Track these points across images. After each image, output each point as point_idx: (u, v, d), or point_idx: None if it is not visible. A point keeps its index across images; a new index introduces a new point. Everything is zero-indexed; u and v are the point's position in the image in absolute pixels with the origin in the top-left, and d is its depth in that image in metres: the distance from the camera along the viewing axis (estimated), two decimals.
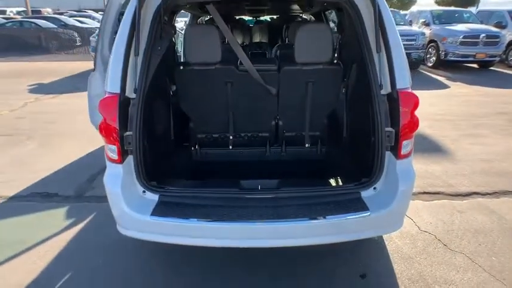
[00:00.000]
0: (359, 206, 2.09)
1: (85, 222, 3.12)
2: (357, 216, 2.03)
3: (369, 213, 2.04)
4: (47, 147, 4.89)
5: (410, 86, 2.12)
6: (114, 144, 2.04)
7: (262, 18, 7.37)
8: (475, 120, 5.99)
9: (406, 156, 2.14)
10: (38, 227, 3.04)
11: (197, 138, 2.93)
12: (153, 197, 2.14)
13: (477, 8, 25.16)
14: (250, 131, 2.91)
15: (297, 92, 2.64)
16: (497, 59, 11.07)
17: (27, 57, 14.19)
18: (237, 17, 6.53)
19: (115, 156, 2.06)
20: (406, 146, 2.11)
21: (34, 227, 3.05)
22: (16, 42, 16.08)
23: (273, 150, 3.02)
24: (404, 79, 2.09)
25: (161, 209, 2.08)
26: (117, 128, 2.01)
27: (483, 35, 10.73)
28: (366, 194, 2.17)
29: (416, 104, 2.11)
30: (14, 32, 16.92)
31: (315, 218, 2.00)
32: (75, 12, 27.31)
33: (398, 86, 2.06)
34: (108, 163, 2.14)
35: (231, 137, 2.82)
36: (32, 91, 8.46)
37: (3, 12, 25.57)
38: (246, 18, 7.27)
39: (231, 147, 2.88)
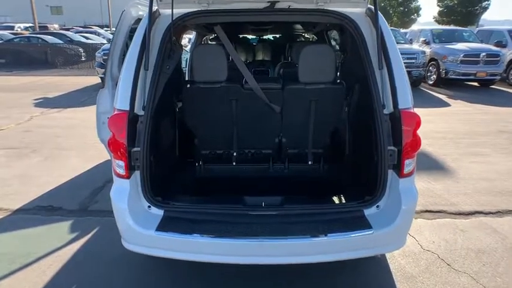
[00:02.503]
0: (362, 224, 2.11)
1: (89, 236, 3.14)
2: (360, 234, 2.05)
3: (372, 231, 2.06)
4: (51, 160, 4.94)
5: (412, 105, 2.18)
6: (122, 160, 2.08)
7: (265, 36, 7.52)
8: (476, 139, 6.02)
9: (409, 174, 2.17)
10: (43, 240, 3.06)
11: (201, 155, 2.98)
12: (158, 212, 2.17)
13: (477, 27, 25.50)
14: (254, 148, 2.95)
15: (300, 110, 2.70)
16: (498, 77, 11.16)
17: (33, 71, 14.38)
18: (241, 36, 6.67)
19: (122, 172, 2.10)
20: (409, 164, 2.15)
21: (39, 240, 3.07)
22: (23, 57, 16.34)
23: (276, 166, 3.06)
24: (406, 99, 2.14)
25: (166, 225, 2.10)
26: (125, 144, 2.06)
27: (483, 53, 10.84)
28: (369, 212, 2.19)
29: (418, 124, 2.16)
30: (22, 47, 17.18)
31: (318, 236, 2.02)
32: (81, 28, 27.82)
33: (401, 105, 2.11)
34: (115, 178, 2.18)
35: (234, 154, 2.86)
36: (37, 105, 8.57)
37: (12, 27, 26.07)
38: (249, 36, 7.42)
39: (234, 163, 2.92)
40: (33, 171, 4.58)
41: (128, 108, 2.07)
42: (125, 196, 2.09)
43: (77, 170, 4.54)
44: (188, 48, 5.44)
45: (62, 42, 17.86)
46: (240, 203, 2.27)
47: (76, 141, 5.70)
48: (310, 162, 2.84)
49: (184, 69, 4.90)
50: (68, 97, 9.70)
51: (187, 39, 8.03)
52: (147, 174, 2.15)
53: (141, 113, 2.13)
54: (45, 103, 8.78)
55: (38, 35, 18.77)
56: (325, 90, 2.57)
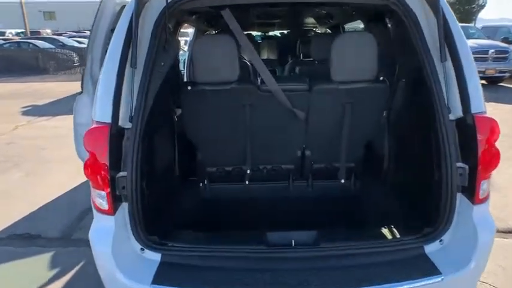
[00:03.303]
0: (427, 267, 1.58)
1: (72, 272, 2.64)
2: (427, 282, 1.52)
3: (441, 278, 1.53)
4: (34, 177, 4.40)
5: (486, 109, 1.67)
6: (104, 190, 1.55)
7: (271, 33, 7.01)
8: (503, 141, 5.47)
9: (484, 200, 1.66)
10: (16, 281, 2.54)
11: (206, 173, 2.44)
12: (154, 257, 1.63)
13: (475, 25, 25.21)
14: (271, 163, 2.42)
15: (330, 116, 2.16)
16: (508, 74, 10.74)
17: (24, 77, 13.81)
18: (245, 33, 6.15)
19: (105, 206, 1.57)
20: (484, 185, 1.63)
21: (11, 281, 2.54)
22: (13, 63, 15.72)
23: (297, 184, 2.53)
24: (479, 101, 1.66)
25: (164, 274, 1.57)
26: (108, 167, 1.53)
27: (492, 50, 10.47)
28: (430, 249, 1.67)
29: (493, 131, 1.67)
30: (11, 53, 16.62)
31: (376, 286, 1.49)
32: (74, 33, 27.27)
33: (473, 109, 1.60)
34: (95, 214, 1.64)
35: (248, 171, 2.32)
36: (24, 113, 8.06)
37: (3, 33, 25.50)
38: (253, 33, 6.89)
39: (247, 182, 2.38)
40: (12, 189, 4.05)
41: (109, 120, 1.53)
42: (109, 238, 1.55)
43: (62, 187, 3.99)
44: (186, 48, 4.91)
45: (53, 47, 17.28)
46: (261, 241, 1.72)
47: (63, 153, 5.09)
48: (342, 181, 2.30)
49: (182, 71, 4.36)
50: (58, 104, 9.16)
51: (184, 41, 7.48)
52: (139, 206, 1.61)
53: (128, 125, 1.59)
54: (34, 111, 8.26)
55: (29, 40, 18.22)
56: (366, 90, 2.04)
